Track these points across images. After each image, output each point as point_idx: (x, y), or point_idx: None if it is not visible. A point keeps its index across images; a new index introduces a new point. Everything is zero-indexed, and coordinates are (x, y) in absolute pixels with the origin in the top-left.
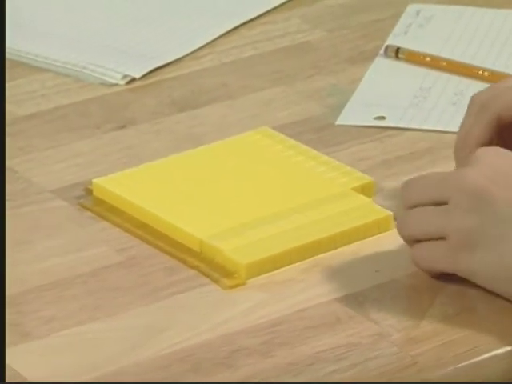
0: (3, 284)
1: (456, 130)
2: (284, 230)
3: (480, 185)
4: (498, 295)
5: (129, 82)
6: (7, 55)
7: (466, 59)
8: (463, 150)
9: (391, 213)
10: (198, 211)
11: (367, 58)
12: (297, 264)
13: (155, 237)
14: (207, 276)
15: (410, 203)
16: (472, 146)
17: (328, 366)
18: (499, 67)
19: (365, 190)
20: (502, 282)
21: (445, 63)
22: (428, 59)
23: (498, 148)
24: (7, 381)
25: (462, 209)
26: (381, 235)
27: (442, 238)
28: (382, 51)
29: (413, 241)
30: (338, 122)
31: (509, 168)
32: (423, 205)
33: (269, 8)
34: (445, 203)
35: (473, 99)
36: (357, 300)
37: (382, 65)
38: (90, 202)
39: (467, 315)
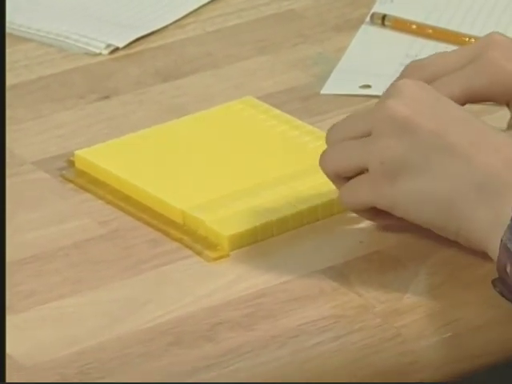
0: (3, 295)
1: None
2: (267, 201)
3: (403, 114)
4: (483, 262)
5: (112, 52)
6: None
7: (453, 26)
8: None
9: None
10: (180, 182)
11: (353, 25)
12: (280, 235)
13: (138, 209)
14: (190, 248)
15: (333, 139)
16: None
17: (311, 338)
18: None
19: None
20: (423, 211)
21: (431, 30)
22: (414, 26)
23: (419, 81)
24: None
25: (385, 137)
26: None
27: (364, 172)
28: (368, 19)
29: (338, 179)
30: (323, 91)
31: (432, 100)
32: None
33: None
34: (368, 135)
35: (410, 71)
36: (340, 272)
37: (368, 32)
38: (72, 173)
39: (451, 286)
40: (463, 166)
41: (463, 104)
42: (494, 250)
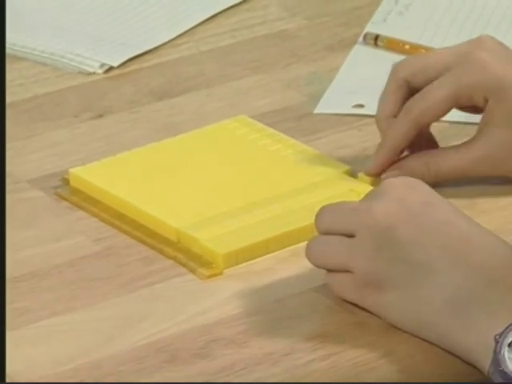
0: (3, 286)
1: None
2: (261, 219)
3: (385, 224)
4: None
5: (107, 71)
6: None
7: (446, 46)
8: (380, 121)
9: None
10: (175, 201)
11: (346, 45)
12: (274, 253)
13: (132, 227)
14: (184, 266)
15: (321, 229)
16: (384, 115)
17: (305, 355)
18: None
19: None
20: (407, 324)
21: (424, 51)
22: (407, 47)
23: (407, 179)
24: None
25: (367, 248)
26: None
27: (349, 271)
28: (360, 39)
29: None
30: (316, 111)
31: (418, 204)
32: (332, 233)
33: None
34: (352, 235)
35: (397, 68)
36: None
37: (360, 52)
38: (66, 191)
39: None
40: (442, 284)
41: (452, 107)
42: (483, 370)
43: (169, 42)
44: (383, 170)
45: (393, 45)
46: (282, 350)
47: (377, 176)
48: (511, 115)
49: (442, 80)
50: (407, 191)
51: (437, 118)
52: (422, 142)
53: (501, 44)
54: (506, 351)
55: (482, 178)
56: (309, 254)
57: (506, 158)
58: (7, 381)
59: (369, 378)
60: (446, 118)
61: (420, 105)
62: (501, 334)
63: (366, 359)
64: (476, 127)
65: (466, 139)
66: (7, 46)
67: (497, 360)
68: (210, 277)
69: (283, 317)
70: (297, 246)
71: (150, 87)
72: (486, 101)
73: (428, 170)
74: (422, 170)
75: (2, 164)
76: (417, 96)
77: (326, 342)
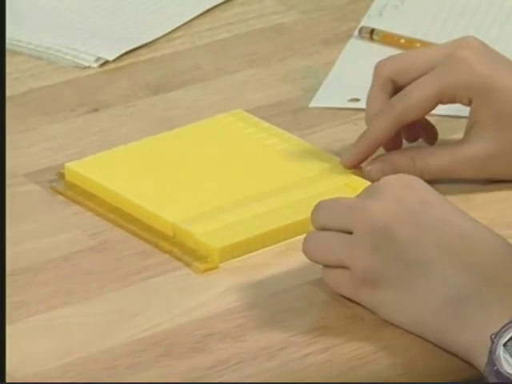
0: (3, 290)
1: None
2: (257, 213)
3: (384, 223)
4: None
5: (102, 65)
6: None
7: (441, 41)
8: (369, 120)
9: None
10: (170, 195)
11: (342, 39)
12: (270, 247)
13: (128, 221)
14: (180, 260)
15: (317, 225)
16: (371, 113)
17: (300, 349)
18: None
19: None
20: (403, 321)
21: (419, 45)
22: (402, 41)
23: (404, 176)
24: None
25: (365, 246)
26: None
27: (346, 267)
28: (356, 33)
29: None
30: (311, 105)
31: (414, 202)
32: (329, 229)
33: None
34: (349, 232)
35: (381, 64)
36: None
37: (356, 46)
38: (62, 185)
39: None
40: (439, 283)
41: (435, 106)
42: (479, 368)
43: (164, 36)
44: (359, 163)
45: (388, 39)
46: (278, 343)
47: (353, 168)
48: (497, 115)
49: (425, 79)
50: (404, 190)
51: (420, 116)
52: (418, 131)
53: (484, 44)
54: (501, 351)
55: None
56: (306, 249)
57: (495, 159)
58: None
59: (364, 372)
60: (442, 112)
61: (403, 103)
62: (496, 334)
63: (362, 353)
64: None
65: (461, 133)
66: None
67: (492, 360)
68: (205, 271)
69: (279, 311)
70: (292, 239)
71: (145, 81)
72: (470, 101)
73: (414, 164)
74: (408, 164)
75: (2, 160)
76: (401, 93)
77: (322, 335)
